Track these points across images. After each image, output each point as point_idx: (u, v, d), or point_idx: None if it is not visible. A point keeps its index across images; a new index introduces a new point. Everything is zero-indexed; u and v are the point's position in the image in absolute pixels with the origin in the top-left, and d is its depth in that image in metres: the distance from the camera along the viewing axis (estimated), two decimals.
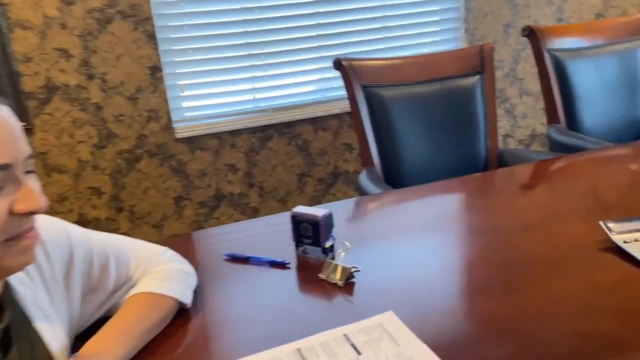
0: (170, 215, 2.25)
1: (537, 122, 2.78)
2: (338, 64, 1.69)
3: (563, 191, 1.20)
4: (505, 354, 0.68)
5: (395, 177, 1.69)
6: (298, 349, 0.72)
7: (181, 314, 0.83)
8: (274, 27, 2.21)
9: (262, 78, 2.25)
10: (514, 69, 2.65)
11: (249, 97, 2.25)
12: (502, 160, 1.83)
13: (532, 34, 1.93)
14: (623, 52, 2.03)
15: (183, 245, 1.08)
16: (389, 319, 0.77)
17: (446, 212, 1.15)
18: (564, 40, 1.97)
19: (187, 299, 0.83)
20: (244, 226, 1.17)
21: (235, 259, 1.01)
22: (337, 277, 0.88)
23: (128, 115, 2.09)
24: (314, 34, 2.26)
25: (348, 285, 0.88)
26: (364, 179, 1.59)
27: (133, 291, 0.80)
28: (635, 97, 2.06)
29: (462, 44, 2.49)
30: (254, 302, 0.86)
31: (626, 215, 0.99)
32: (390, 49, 2.38)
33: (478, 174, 1.42)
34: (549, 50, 1.93)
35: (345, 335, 0.74)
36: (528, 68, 2.66)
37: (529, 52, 2.65)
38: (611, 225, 0.92)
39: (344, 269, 0.89)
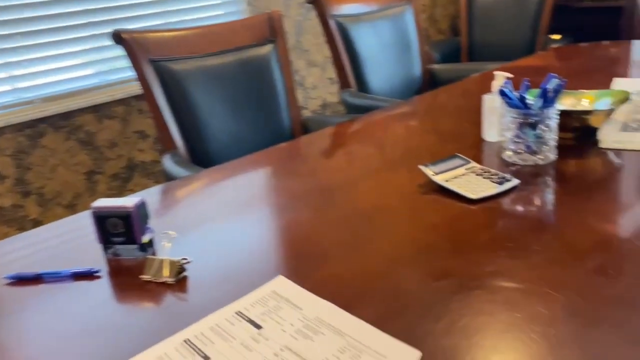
0: None
1: (326, 92, 2.89)
2: (118, 38, 1.47)
3: (370, 146, 1.22)
4: (376, 312, 0.63)
5: (202, 158, 1.56)
6: (186, 340, 0.61)
7: None
8: (29, 2, 1.84)
9: (20, 64, 1.87)
10: (299, 40, 2.69)
11: (7, 87, 1.86)
12: (306, 127, 1.83)
13: (317, 1, 1.95)
14: (394, 16, 2.20)
15: None
16: (282, 284, 0.70)
17: (264, 183, 1.08)
18: (345, 7, 2.03)
19: None
20: (28, 239, 0.92)
21: (22, 280, 0.78)
22: (165, 274, 0.74)
23: None
24: (80, 8, 1.96)
25: (181, 281, 0.74)
26: (169, 163, 1.42)
27: None
28: (409, 58, 2.25)
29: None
30: (60, 329, 0.67)
31: (431, 159, 1.02)
32: (171, 24, 2.20)
33: (285, 144, 1.38)
34: (333, 17, 1.98)
35: (238, 312, 0.65)
36: (311, 39, 2.72)
37: (309, 23, 2.72)
38: (431, 167, 0.95)
39: (172, 263, 0.75)
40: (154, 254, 0.82)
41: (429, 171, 0.94)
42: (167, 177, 1.40)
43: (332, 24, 1.97)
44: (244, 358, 0.57)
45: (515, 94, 0.99)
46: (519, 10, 2.99)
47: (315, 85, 2.81)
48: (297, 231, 0.85)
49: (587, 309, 0.59)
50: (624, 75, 1.60)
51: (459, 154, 1.01)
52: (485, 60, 2.98)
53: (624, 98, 1.08)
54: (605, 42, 2.18)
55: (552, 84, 0.96)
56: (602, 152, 1.03)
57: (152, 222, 0.90)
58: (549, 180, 0.95)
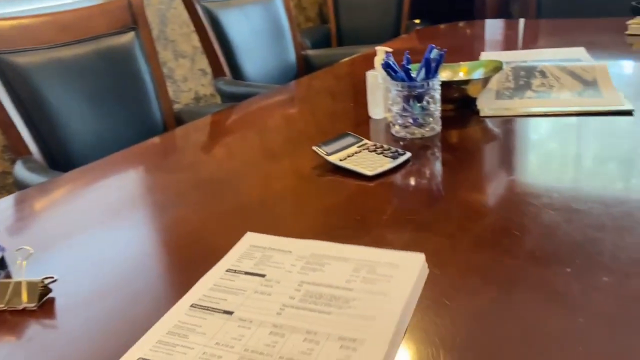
0: None
1: (198, 84, 2.75)
2: None
3: (253, 134, 1.15)
4: None
5: (63, 162, 1.37)
6: (193, 305, 0.56)
7: None
8: None
9: None
10: (163, 30, 2.51)
11: None
12: (179, 120, 1.70)
13: None
14: (263, 1, 2.13)
15: None
16: (255, 238, 0.68)
17: (138, 182, 0.96)
18: None
19: None
20: None
21: None
22: (24, 299, 0.60)
23: None
24: None
25: (45, 304, 0.61)
26: (21, 171, 1.23)
27: None
28: (283, 44, 2.20)
29: None
30: None
31: (319, 141, 0.97)
32: (8, 14, 1.92)
33: (158, 138, 1.26)
34: (199, 2, 1.86)
35: (229, 270, 0.61)
36: (177, 29, 2.56)
37: (173, 12, 2.55)
38: (323, 148, 0.90)
39: (32, 284, 0.61)
40: (7, 276, 0.68)
41: (322, 151, 0.89)
42: (21, 188, 1.20)
43: (199, 9, 1.85)
44: (268, 302, 0.54)
45: (398, 67, 0.97)
46: None
47: (185, 78, 2.66)
48: (183, 231, 0.76)
49: (502, 272, 0.58)
50: (483, 50, 1.69)
51: (350, 132, 0.97)
52: (355, 44, 3.04)
53: (497, 67, 1.12)
54: (462, 23, 2.31)
55: (433, 54, 0.95)
56: (481, 120, 1.06)
57: (2, 239, 0.75)
58: (437, 151, 0.95)
